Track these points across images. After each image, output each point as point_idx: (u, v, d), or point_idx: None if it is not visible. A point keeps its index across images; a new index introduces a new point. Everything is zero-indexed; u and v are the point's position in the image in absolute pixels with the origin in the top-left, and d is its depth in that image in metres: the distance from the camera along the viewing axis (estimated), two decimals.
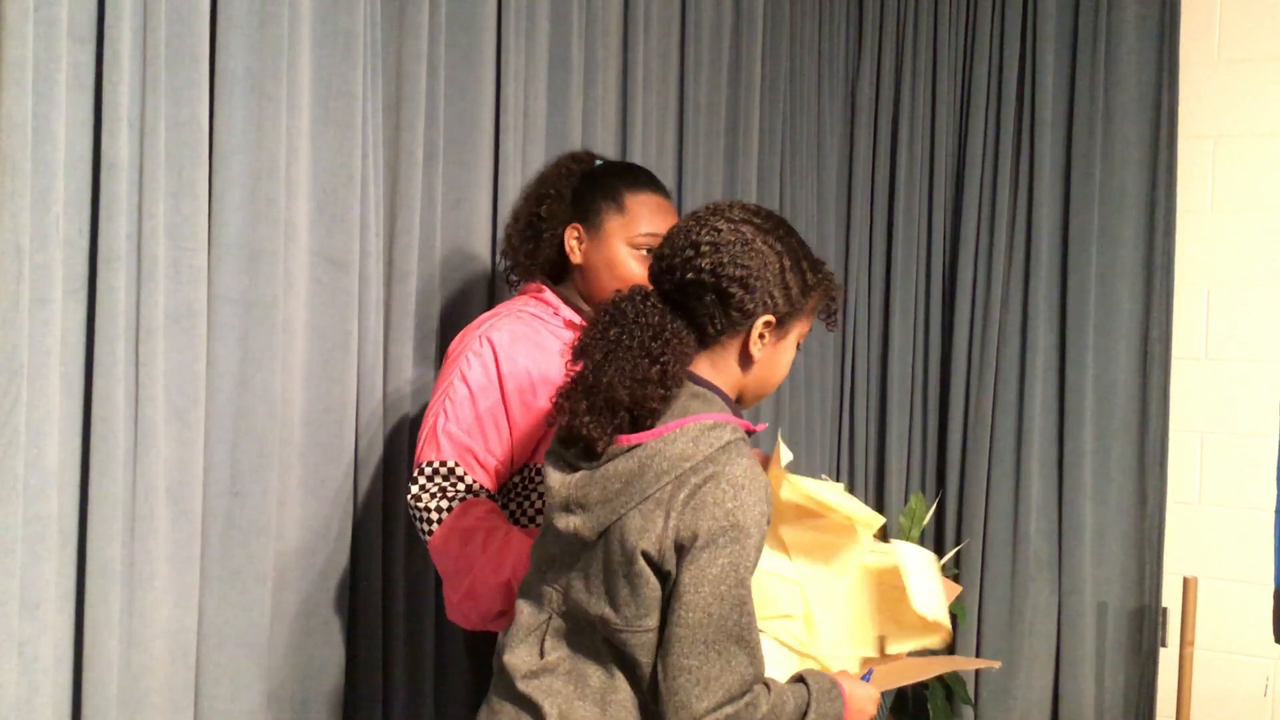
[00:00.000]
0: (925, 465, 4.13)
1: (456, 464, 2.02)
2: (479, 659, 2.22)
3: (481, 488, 2.03)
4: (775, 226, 1.63)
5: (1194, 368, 3.83)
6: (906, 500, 4.07)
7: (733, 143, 3.49)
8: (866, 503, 4.14)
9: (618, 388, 1.55)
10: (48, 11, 1.66)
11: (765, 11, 3.60)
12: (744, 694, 1.51)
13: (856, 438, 4.18)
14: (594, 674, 1.59)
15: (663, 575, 1.53)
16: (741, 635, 1.51)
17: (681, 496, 1.51)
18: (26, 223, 1.63)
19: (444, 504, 2.00)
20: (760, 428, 1.70)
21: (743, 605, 1.51)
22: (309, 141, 2.14)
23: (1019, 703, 3.86)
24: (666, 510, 1.51)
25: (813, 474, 3.96)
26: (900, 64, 4.13)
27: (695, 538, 1.49)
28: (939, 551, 4.02)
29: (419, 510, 2.01)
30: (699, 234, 1.60)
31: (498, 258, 2.29)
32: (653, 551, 1.51)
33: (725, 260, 1.57)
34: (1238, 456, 3.77)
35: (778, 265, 1.60)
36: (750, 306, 1.59)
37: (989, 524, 3.92)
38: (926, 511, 3.89)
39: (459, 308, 2.52)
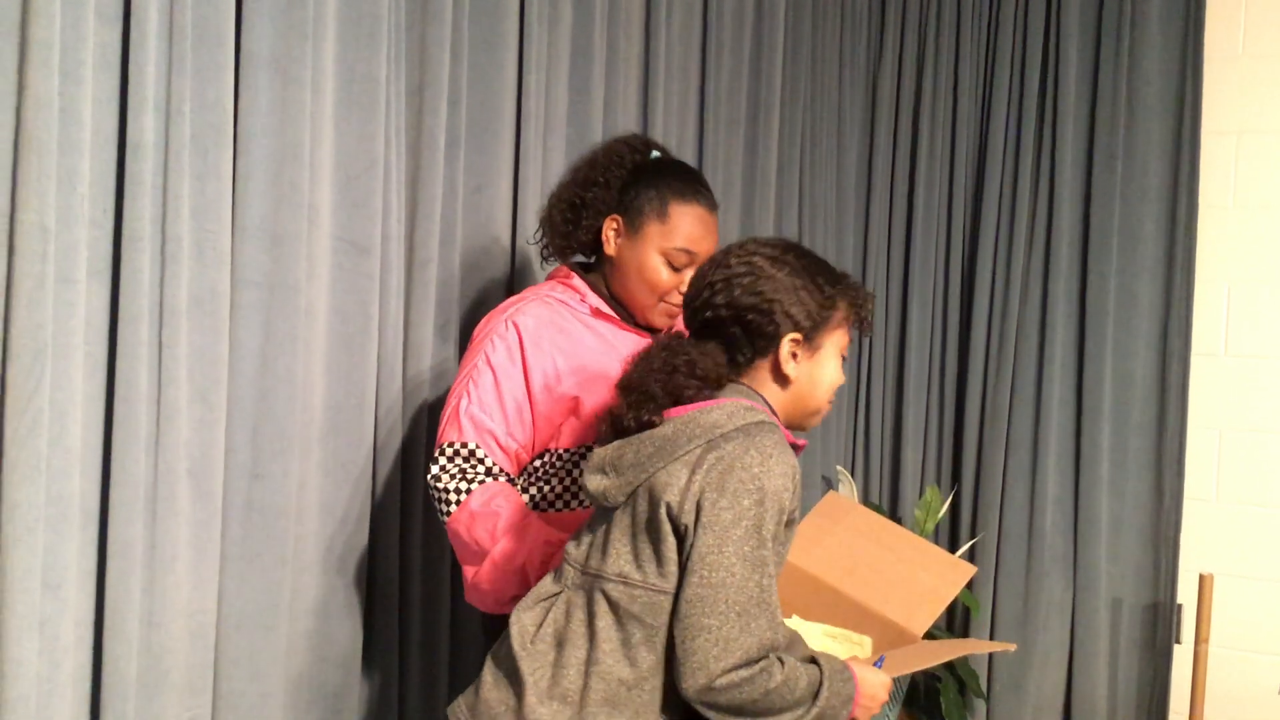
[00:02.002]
0: (941, 458, 4.12)
1: (477, 446, 2.02)
2: (495, 641, 2.23)
3: (501, 470, 2.03)
4: (785, 250, 1.72)
5: (1213, 364, 3.81)
6: (922, 493, 4.06)
7: (753, 133, 3.48)
8: (880, 495, 4.16)
9: (650, 383, 1.66)
10: None
11: (787, 1, 3.59)
12: (761, 659, 1.53)
13: (872, 430, 4.17)
14: (582, 645, 1.61)
15: (680, 533, 1.56)
16: (763, 598, 1.54)
17: (710, 459, 1.56)
18: (52, 203, 1.64)
19: (463, 485, 2.00)
20: (802, 444, 1.73)
21: (764, 567, 1.54)
22: (332, 125, 2.14)
23: (1032, 697, 3.86)
24: (693, 469, 1.57)
25: (828, 467, 3.98)
26: (922, 55, 4.11)
27: (719, 499, 1.54)
28: (953, 545, 4.01)
29: (438, 490, 2.02)
30: (713, 274, 1.71)
31: (534, 230, 2.27)
32: (674, 504, 1.56)
33: (738, 291, 1.67)
34: (1256, 453, 3.76)
35: (790, 284, 1.67)
36: (771, 329, 1.67)
37: (1004, 518, 3.91)
38: (942, 505, 3.88)
39: (479, 293, 2.53)
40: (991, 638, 3.91)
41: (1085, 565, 3.83)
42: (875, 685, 1.67)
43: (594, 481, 1.66)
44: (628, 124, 2.94)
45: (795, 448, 1.69)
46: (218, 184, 1.90)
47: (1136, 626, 3.81)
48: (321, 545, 2.19)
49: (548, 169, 2.66)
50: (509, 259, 2.61)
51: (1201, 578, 3.56)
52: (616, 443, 1.65)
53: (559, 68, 2.69)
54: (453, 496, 2.00)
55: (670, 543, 1.57)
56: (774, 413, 1.70)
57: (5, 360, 1.63)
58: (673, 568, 1.57)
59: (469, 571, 2.03)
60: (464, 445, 2.03)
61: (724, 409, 1.61)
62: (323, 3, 2.08)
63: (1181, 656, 3.75)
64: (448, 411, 2.07)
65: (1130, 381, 3.80)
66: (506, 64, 2.54)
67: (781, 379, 1.69)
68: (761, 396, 1.69)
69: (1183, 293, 3.76)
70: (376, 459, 2.30)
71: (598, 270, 2.19)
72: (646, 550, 1.58)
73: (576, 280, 2.16)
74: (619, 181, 2.14)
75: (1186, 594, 3.75)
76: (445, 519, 2.02)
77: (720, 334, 1.69)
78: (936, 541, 4.02)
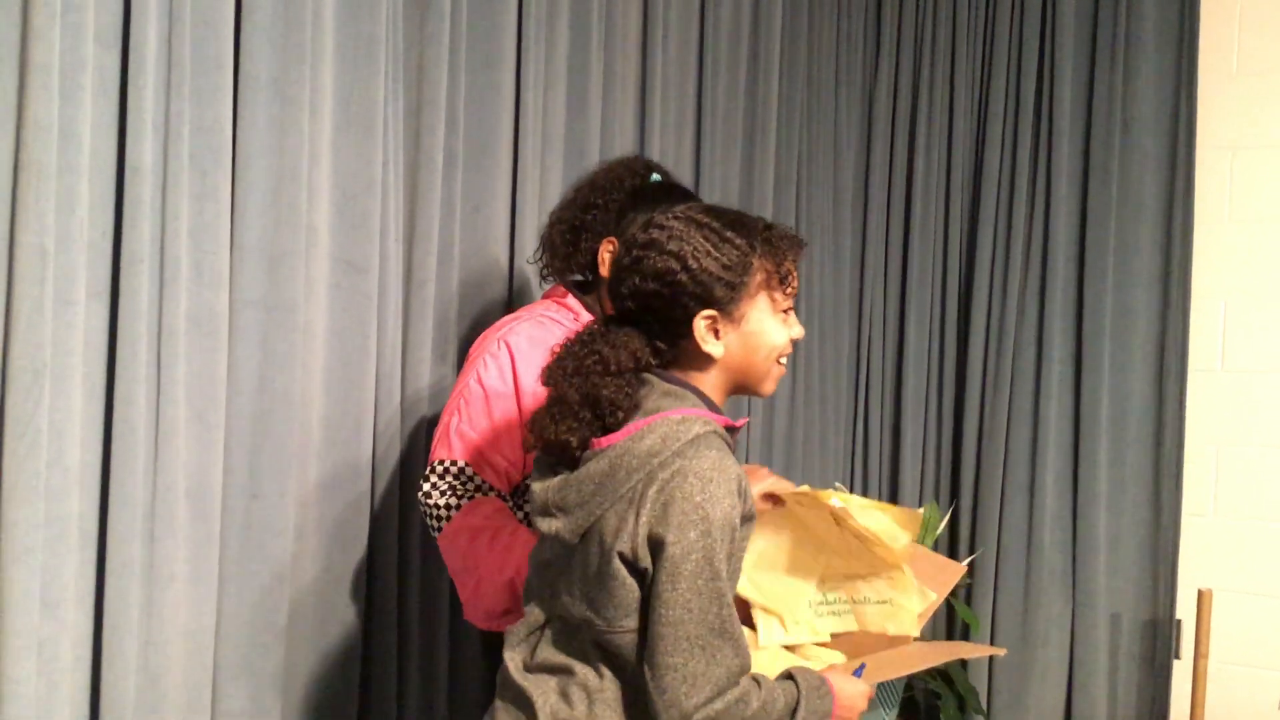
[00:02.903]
0: (939, 475, 4.12)
1: (468, 464, 2.04)
2: (493, 660, 2.22)
3: (492, 488, 2.05)
4: (686, 223, 1.60)
5: (1210, 379, 3.82)
6: (920, 509, 4.06)
7: (749, 150, 3.50)
8: None
9: (567, 388, 1.59)
10: (74, 16, 1.68)
11: (783, 19, 3.61)
12: (733, 686, 1.52)
13: (870, 446, 4.18)
14: (581, 673, 1.59)
15: (639, 574, 1.53)
16: (724, 628, 1.51)
17: (651, 493, 1.51)
18: (51, 225, 1.65)
19: (454, 501, 2.01)
20: (741, 423, 1.68)
21: (721, 597, 1.51)
22: (330, 146, 2.15)
23: (1031, 713, 3.85)
24: (638, 509, 1.52)
25: (825, 483, 3.98)
26: (918, 73, 4.13)
27: (667, 534, 1.49)
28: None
29: (429, 507, 2.03)
30: (623, 258, 1.62)
31: (535, 250, 2.28)
32: (627, 551, 1.52)
33: (637, 280, 1.58)
34: (1253, 469, 3.76)
35: (691, 260, 1.57)
36: (679, 312, 1.58)
37: (1003, 534, 3.91)
38: (940, 521, 3.89)
39: (477, 313, 2.54)
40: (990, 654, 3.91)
41: (1084, 581, 3.82)
42: (853, 696, 1.66)
43: (545, 525, 1.60)
44: (625, 143, 2.96)
45: (733, 430, 1.63)
46: (216, 205, 1.92)
47: (1136, 642, 3.81)
48: (319, 564, 2.19)
49: (545, 188, 2.68)
50: (507, 278, 2.62)
51: (1200, 593, 3.56)
52: (557, 481, 1.59)
53: (556, 87, 2.71)
54: (443, 513, 2.01)
55: (630, 584, 1.53)
56: (708, 401, 1.63)
57: (4, 381, 1.64)
58: (635, 606, 1.54)
59: (460, 587, 2.04)
60: (454, 463, 2.04)
61: (656, 431, 1.54)
62: (321, 25, 2.10)
63: (1181, 672, 3.74)
64: (439, 430, 2.09)
65: (1127, 397, 3.80)
66: (504, 84, 2.56)
67: (705, 359, 1.61)
68: (691, 387, 1.62)
69: (1179, 308, 3.76)
70: (374, 477, 2.31)
71: (593, 291, 2.20)
72: (603, 597, 1.55)
73: (571, 300, 2.17)
74: (616, 205, 2.14)
75: (1185, 609, 3.75)
76: (436, 535, 2.04)
77: (638, 323, 1.61)
78: None
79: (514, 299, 2.61)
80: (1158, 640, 3.79)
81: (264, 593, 2.06)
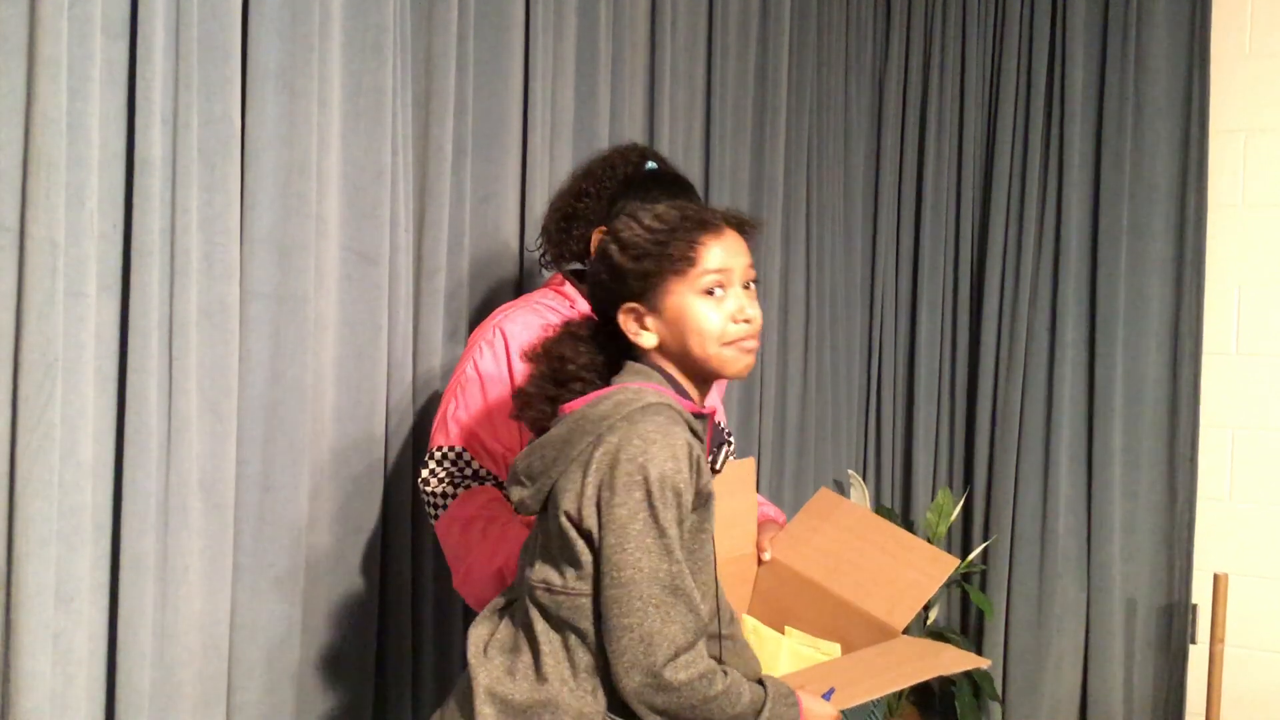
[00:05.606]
0: (953, 461, 4.11)
1: (464, 449, 2.05)
2: None
3: (489, 474, 2.06)
4: (623, 222, 1.66)
5: (1224, 363, 3.80)
6: (934, 496, 4.06)
7: (759, 139, 3.49)
8: (892, 498, 4.15)
9: (545, 409, 1.67)
10: (82, 8, 1.67)
11: (792, 6, 3.60)
12: (692, 645, 1.52)
13: (883, 433, 4.17)
14: (526, 650, 1.60)
15: (585, 534, 1.55)
16: (675, 584, 1.52)
17: (597, 454, 1.54)
18: (61, 218, 1.65)
19: (450, 489, 2.03)
20: (710, 410, 1.70)
21: (670, 554, 1.52)
22: (339, 137, 2.15)
23: (1047, 699, 3.85)
24: (584, 469, 1.55)
25: (839, 470, 3.97)
26: (928, 58, 4.11)
27: (613, 497, 1.51)
28: (966, 548, 4.01)
29: (427, 494, 2.05)
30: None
31: (535, 238, 2.29)
32: (572, 511, 1.54)
33: (589, 288, 1.71)
34: (1269, 452, 3.75)
35: (615, 257, 1.63)
36: (611, 310, 1.65)
37: (1017, 520, 3.90)
38: (954, 508, 3.88)
39: (487, 302, 2.53)
40: (1006, 640, 3.90)
41: (1099, 566, 3.82)
42: (821, 717, 1.65)
43: (514, 493, 1.64)
44: (634, 131, 2.95)
45: (700, 416, 1.65)
46: (226, 197, 1.91)
47: (1151, 627, 3.80)
48: (333, 556, 2.20)
49: (554, 177, 2.67)
50: (517, 267, 2.62)
51: (1216, 577, 3.55)
52: (525, 450, 1.64)
53: (565, 76, 2.70)
54: (440, 500, 2.03)
55: (580, 546, 1.55)
56: (676, 384, 1.64)
57: (17, 375, 1.64)
58: (589, 569, 1.55)
59: (453, 573, 2.06)
60: (452, 449, 2.05)
61: (612, 399, 1.57)
62: (328, 15, 2.09)
63: (1197, 657, 3.74)
64: (438, 416, 2.10)
65: (1142, 381, 3.79)
66: (512, 73, 2.55)
67: (638, 349, 1.65)
68: (658, 369, 1.64)
69: (1193, 291, 3.75)
70: (387, 468, 2.31)
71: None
72: (560, 555, 1.57)
73: (568, 288, 2.18)
74: (609, 192, 2.14)
75: (1201, 594, 3.74)
76: (434, 522, 2.05)
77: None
78: (949, 545, 4.01)
79: (524, 288, 2.61)
80: (1173, 625, 3.78)
81: (278, 584, 2.06)
